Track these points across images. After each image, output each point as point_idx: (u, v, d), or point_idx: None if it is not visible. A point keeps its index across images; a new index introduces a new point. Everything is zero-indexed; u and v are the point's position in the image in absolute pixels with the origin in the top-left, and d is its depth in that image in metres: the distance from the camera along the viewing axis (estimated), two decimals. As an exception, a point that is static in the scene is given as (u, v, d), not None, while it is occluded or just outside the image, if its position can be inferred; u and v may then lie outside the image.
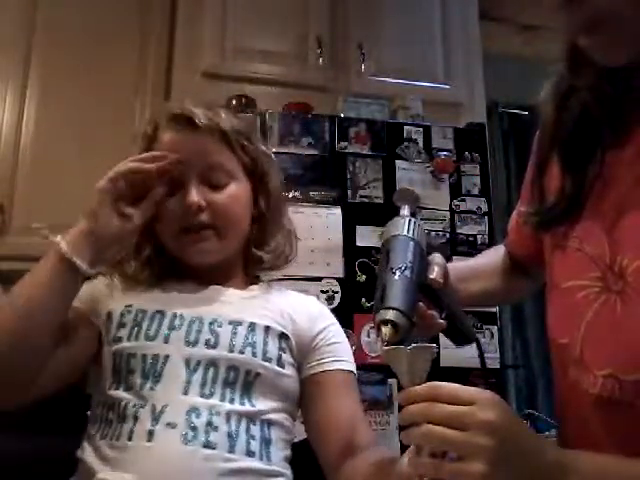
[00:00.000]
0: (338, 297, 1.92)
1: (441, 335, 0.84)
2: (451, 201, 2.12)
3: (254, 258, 1.05)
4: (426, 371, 0.64)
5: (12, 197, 2.18)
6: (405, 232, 0.79)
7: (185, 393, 0.86)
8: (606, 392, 0.68)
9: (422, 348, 0.64)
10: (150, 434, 0.83)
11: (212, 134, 0.99)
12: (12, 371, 0.83)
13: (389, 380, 1.86)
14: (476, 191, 2.16)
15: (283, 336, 0.96)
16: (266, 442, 0.89)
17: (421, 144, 2.14)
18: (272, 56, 2.40)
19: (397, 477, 0.70)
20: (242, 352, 0.91)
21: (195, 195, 0.95)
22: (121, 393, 0.88)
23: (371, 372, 1.85)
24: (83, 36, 2.35)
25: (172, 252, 1.01)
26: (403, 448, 0.78)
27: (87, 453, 0.87)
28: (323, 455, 0.94)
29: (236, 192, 1.00)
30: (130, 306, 0.95)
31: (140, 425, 0.84)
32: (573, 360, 0.74)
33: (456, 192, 2.13)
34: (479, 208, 2.14)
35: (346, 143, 2.08)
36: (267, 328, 0.95)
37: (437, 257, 0.83)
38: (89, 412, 0.96)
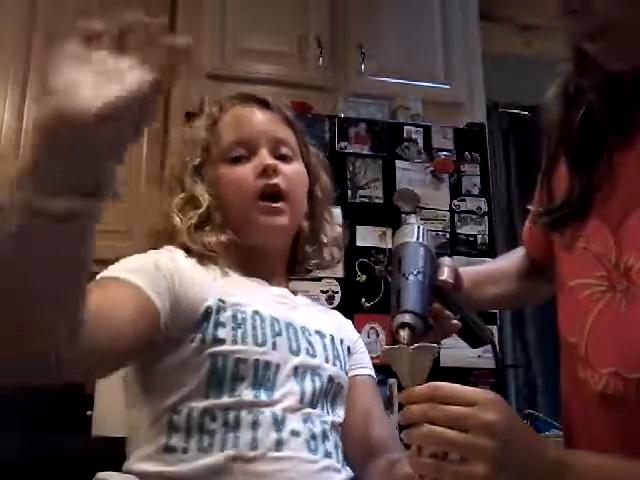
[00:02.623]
0: (338, 297, 1.92)
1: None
2: (451, 201, 2.12)
3: (305, 255, 1.02)
4: (427, 371, 0.64)
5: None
6: (415, 239, 0.81)
7: (301, 402, 0.83)
8: (610, 390, 0.68)
9: (424, 348, 0.64)
10: (279, 443, 0.78)
11: (280, 114, 1.00)
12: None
13: (389, 380, 1.86)
14: (476, 191, 2.16)
15: (349, 350, 0.98)
16: (343, 453, 0.89)
17: (421, 144, 2.14)
18: (272, 56, 2.40)
19: (398, 477, 0.70)
20: (334, 364, 0.91)
21: (270, 159, 0.94)
22: (226, 400, 0.79)
23: (371, 372, 1.85)
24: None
25: (237, 228, 0.93)
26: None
27: (172, 466, 0.76)
28: (353, 455, 0.92)
29: (300, 169, 0.99)
30: (224, 302, 0.84)
31: (263, 433, 0.77)
32: (580, 358, 0.74)
33: (456, 192, 2.13)
34: (479, 208, 2.14)
35: (346, 143, 2.08)
36: (342, 341, 0.96)
37: (447, 260, 0.85)
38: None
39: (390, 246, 2.00)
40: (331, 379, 0.89)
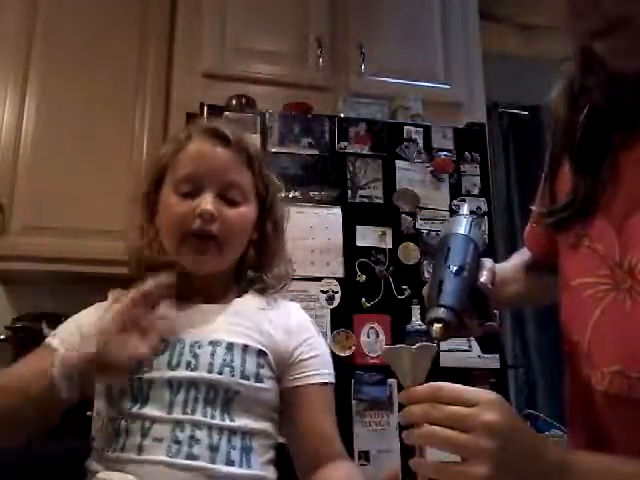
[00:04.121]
0: (338, 297, 1.92)
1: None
2: (451, 201, 2.12)
3: (247, 278, 1.09)
4: (427, 371, 0.64)
5: (12, 197, 2.18)
6: (467, 232, 0.81)
7: (169, 413, 0.91)
8: (614, 389, 0.68)
9: (425, 348, 0.64)
10: (140, 448, 0.89)
11: (240, 153, 1.05)
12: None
13: (389, 380, 1.86)
14: (476, 191, 2.16)
15: (261, 353, 0.99)
16: (247, 450, 0.93)
17: (421, 144, 2.14)
18: (272, 56, 2.40)
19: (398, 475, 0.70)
20: (220, 372, 0.94)
21: (211, 205, 0.99)
22: (116, 412, 0.94)
23: (371, 372, 1.85)
24: (83, 36, 2.34)
25: (173, 252, 1.03)
26: (403, 448, 0.78)
27: (93, 463, 0.94)
28: (296, 466, 1.00)
29: (246, 213, 1.04)
30: None
31: (131, 439, 0.90)
32: (583, 356, 0.74)
33: (456, 192, 2.13)
34: (479, 208, 2.14)
35: (346, 143, 2.07)
36: (245, 347, 0.98)
37: (488, 261, 0.84)
38: (89, 413, 1.00)
39: (390, 246, 2.00)
40: (213, 388, 0.93)
